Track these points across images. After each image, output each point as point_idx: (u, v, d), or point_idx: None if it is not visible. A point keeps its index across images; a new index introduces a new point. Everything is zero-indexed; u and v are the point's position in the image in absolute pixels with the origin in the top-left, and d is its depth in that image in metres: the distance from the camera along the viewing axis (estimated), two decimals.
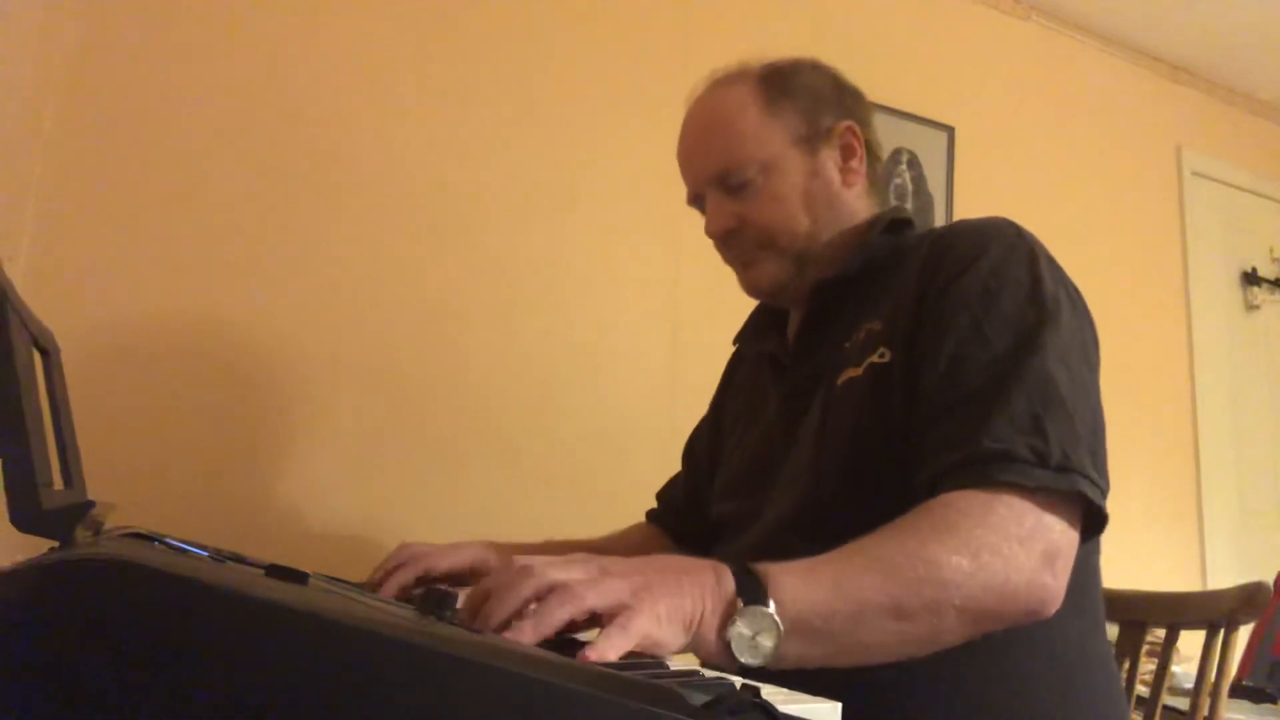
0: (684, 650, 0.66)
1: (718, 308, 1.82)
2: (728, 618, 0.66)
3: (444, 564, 1.03)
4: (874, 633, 0.70)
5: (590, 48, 1.84)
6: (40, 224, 1.35)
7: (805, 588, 0.68)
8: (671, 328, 1.84)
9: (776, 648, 0.66)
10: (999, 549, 0.72)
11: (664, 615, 0.63)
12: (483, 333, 1.66)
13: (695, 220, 1.85)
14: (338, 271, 1.55)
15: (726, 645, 0.65)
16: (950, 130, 2.31)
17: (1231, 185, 2.89)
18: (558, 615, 0.60)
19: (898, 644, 0.72)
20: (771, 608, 0.66)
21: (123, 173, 1.41)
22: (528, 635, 0.59)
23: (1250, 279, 2.87)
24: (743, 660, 0.66)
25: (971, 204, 2.28)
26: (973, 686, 0.83)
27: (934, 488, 0.78)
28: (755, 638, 0.66)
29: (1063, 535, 0.75)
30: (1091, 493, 0.76)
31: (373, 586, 1.00)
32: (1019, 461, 0.75)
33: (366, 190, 1.59)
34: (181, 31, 1.48)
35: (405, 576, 1.00)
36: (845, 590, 0.69)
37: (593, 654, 0.57)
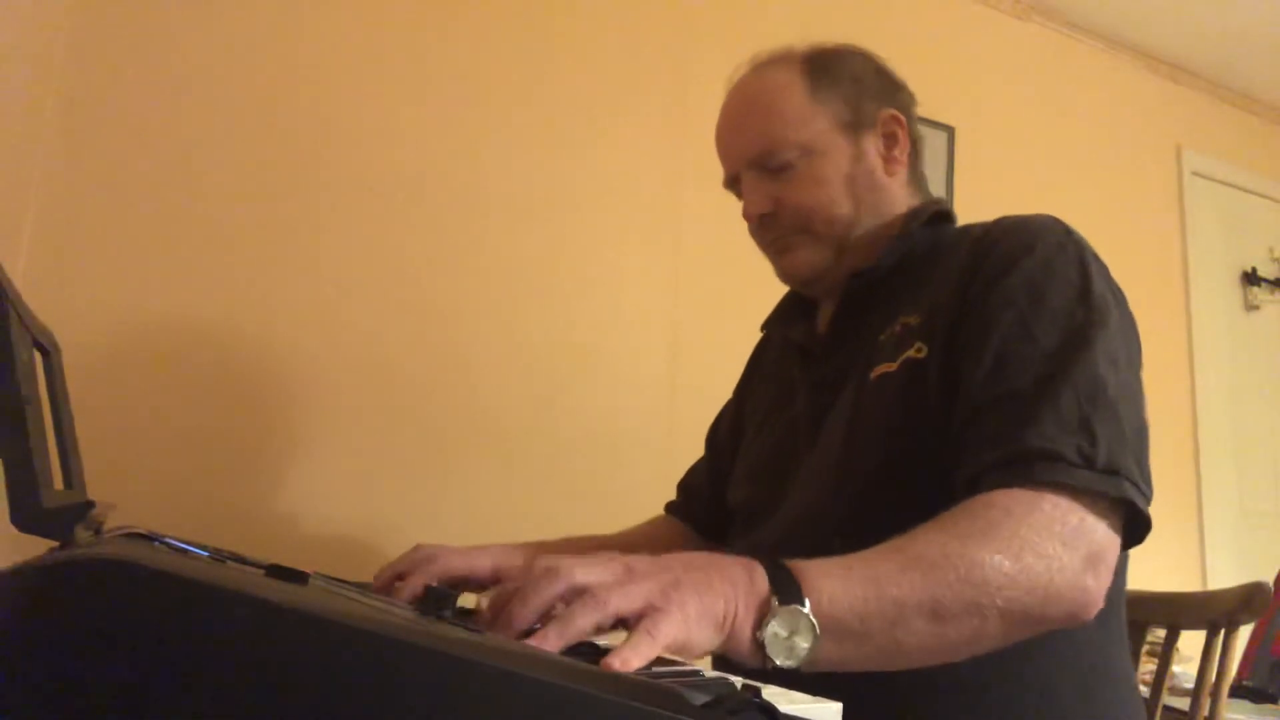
0: (717, 652, 0.63)
1: (718, 308, 1.82)
2: (762, 617, 0.63)
3: (462, 567, 0.96)
4: (913, 635, 0.67)
5: (590, 47, 1.84)
6: (40, 224, 1.35)
7: (842, 587, 0.66)
8: (671, 328, 1.84)
9: (812, 648, 0.64)
10: (1042, 549, 0.70)
11: (694, 616, 0.60)
12: (483, 333, 1.66)
13: (695, 220, 1.84)
14: (337, 271, 1.55)
15: (761, 646, 0.63)
16: (950, 130, 2.32)
17: (1231, 185, 2.89)
18: (582, 621, 0.57)
19: (937, 646, 0.69)
20: (807, 607, 0.64)
21: (123, 173, 1.41)
22: (552, 641, 0.57)
23: (1250, 279, 2.87)
24: (778, 662, 0.63)
25: (971, 204, 2.27)
26: (994, 692, 0.81)
27: (975, 485, 0.75)
28: (791, 638, 0.63)
29: (1106, 538, 0.73)
30: (1136, 498, 0.74)
31: (379, 585, 0.96)
32: (1065, 462, 0.73)
33: (366, 191, 1.59)
34: (181, 32, 1.48)
35: (419, 582, 0.93)
36: (884, 590, 0.66)
37: (617, 662, 0.54)
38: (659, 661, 0.59)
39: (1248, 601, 1.17)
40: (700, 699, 0.39)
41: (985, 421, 0.78)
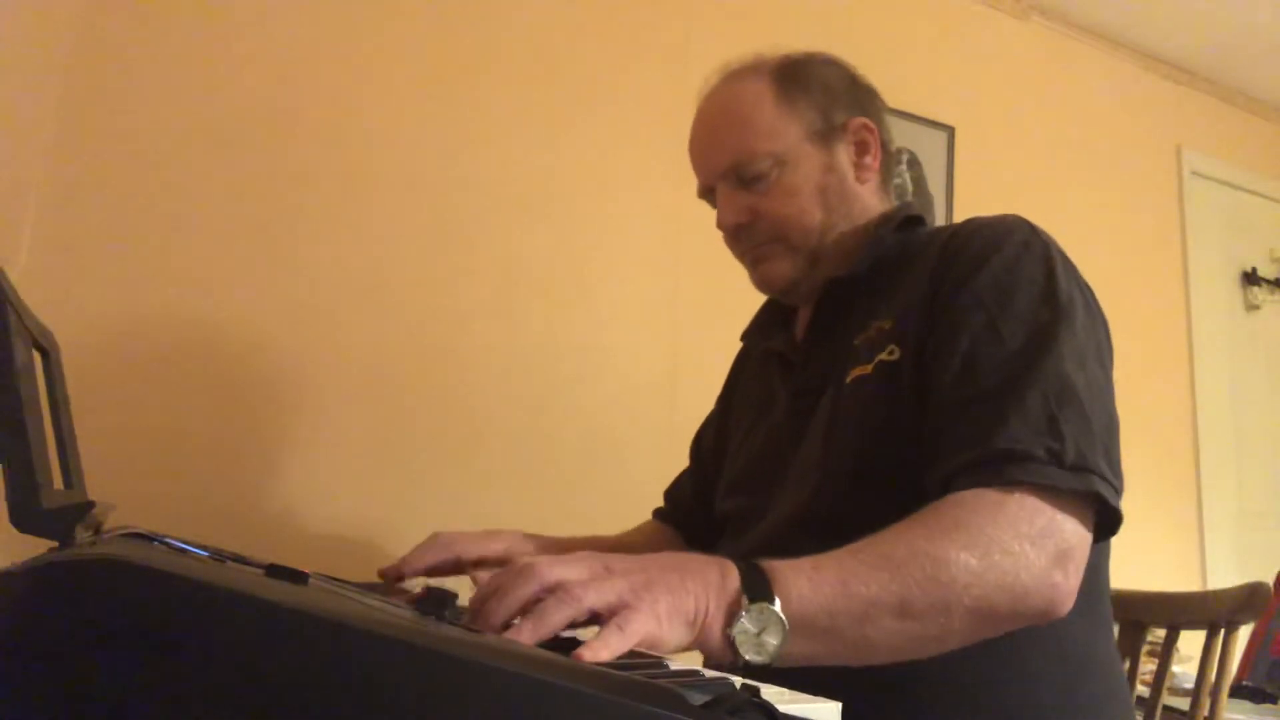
0: (689, 648, 0.65)
1: (718, 308, 1.82)
2: (732, 615, 0.65)
3: (475, 551, 1.00)
4: (880, 632, 0.69)
5: (591, 47, 1.84)
6: (40, 224, 1.35)
7: (811, 585, 0.67)
8: (671, 328, 1.84)
9: (781, 645, 0.65)
10: (1010, 547, 0.71)
11: (664, 614, 0.62)
12: (482, 332, 1.66)
13: (695, 220, 1.84)
14: (337, 271, 1.55)
15: (731, 643, 0.65)
16: (950, 130, 2.32)
17: (1231, 185, 2.89)
18: (556, 616, 0.59)
19: (905, 643, 0.71)
20: (777, 605, 0.66)
21: (122, 173, 1.41)
22: (526, 636, 0.58)
23: (1250, 279, 2.87)
24: (748, 658, 0.65)
25: (971, 204, 2.27)
26: (979, 685, 0.83)
27: (947, 486, 0.77)
28: (760, 635, 0.65)
29: (1075, 535, 0.75)
30: (1106, 493, 0.75)
31: (396, 572, 1.00)
32: (1034, 461, 0.74)
33: (366, 191, 1.59)
34: (181, 32, 1.48)
35: (434, 558, 0.98)
36: (852, 588, 0.68)
37: (587, 654, 0.56)
38: (634, 655, 0.59)
39: (1248, 601, 1.17)
40: (700, 699, 0.39)
41: (955, 424, 0.80)
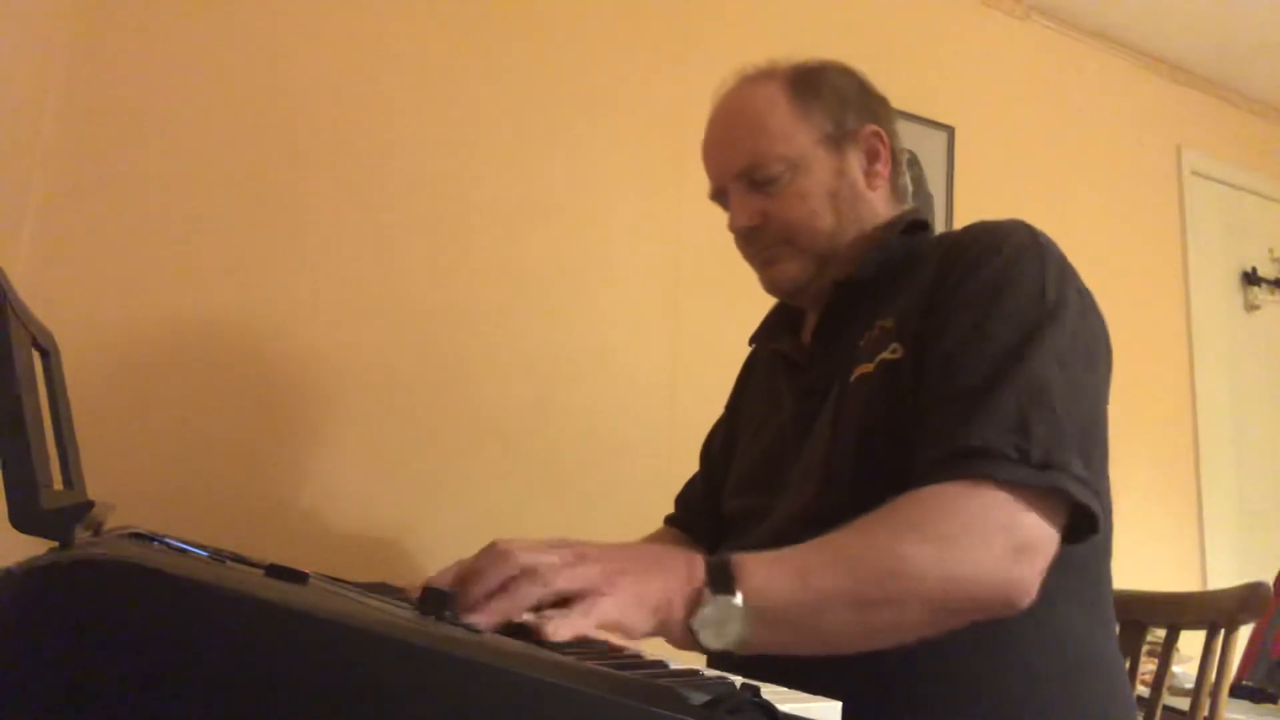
0: (653, 634, 0.69)
1: (718, 308, 1.82)
2: (694, 605, 0.69)
3: None
4: (836, 623, 0.72)
5: (589, 47, 1.84)
6: (40, 225, 1.35)
7: (771, 578, 0.71)
8: (671, 328, 1.84)
9: (741, 634, 0.69)
10: (968, 541, 0.73)
11: (630, 601, 0.66)
12: (483, 333, 1.66)
13: (695, 221, 1.84)
14: (337, 271, 1.55)
15: (691, 631, 0.69)
16: (950, 130, 2.32)
17: (1231, 185, 2.89)
18: (524, 600, 0.63)
19: (862, 634, 0.74)
20: (738, 597, 0.69)
21: (123, 174, 1.41)
22: (493, 615, 0.61)
23: (1250, 279, 2.87)
24: (708, 646, 0.69)
25: (971, 204, 2.28)
26: (980, 683, 0.83)
27: (920, 481, 0.78)
28: (720, 625, 0.69)
29: (1036, 529, 0.75)
30: (1075, 489, 0.76)
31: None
32: (1000, 458, 0.75)
33: (367, 193, 1.59)
34: (182, 32, 1.48)
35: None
36: (809, 582, 0.72)
37: (549, 628, 0.59)
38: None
39: (1248, 601, 1.17)
40: (700, 698, 0.39)
41: (933, 420, 0.82)
